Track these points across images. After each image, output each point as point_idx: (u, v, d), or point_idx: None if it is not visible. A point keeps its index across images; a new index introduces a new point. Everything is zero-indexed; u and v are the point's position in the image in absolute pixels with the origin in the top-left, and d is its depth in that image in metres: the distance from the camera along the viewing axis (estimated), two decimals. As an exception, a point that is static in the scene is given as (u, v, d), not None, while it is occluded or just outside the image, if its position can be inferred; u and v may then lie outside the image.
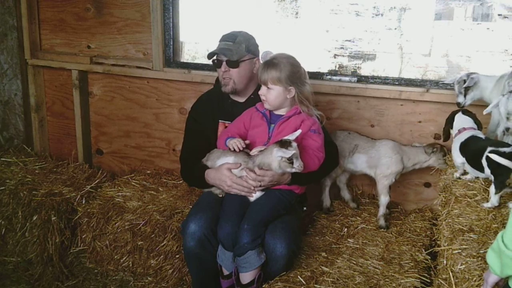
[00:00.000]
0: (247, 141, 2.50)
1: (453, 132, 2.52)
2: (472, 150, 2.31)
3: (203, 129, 2.80)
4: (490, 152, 2.16)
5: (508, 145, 2.19)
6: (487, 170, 2.19)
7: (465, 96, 2.62)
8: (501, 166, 2.10)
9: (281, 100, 2.45)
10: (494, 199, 2.13)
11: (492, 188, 2.14)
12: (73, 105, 3.70)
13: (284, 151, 2.26)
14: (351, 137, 2.98)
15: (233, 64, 2.64)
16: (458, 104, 2.64)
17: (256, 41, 2.74)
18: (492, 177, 2.16)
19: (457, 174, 2.47)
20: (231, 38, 2.65)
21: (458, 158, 2.40)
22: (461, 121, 2.50)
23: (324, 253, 2.56)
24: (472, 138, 2.37)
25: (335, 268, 2.40)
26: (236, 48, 2.62)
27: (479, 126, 2.47)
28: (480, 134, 2.40)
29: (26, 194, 3.12)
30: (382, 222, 2.84)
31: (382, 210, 2.87)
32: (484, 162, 2.19)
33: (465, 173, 2.45)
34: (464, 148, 2.37)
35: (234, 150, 2.46)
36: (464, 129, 2.46)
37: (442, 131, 2.66)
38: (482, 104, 2.58)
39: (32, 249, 3.14)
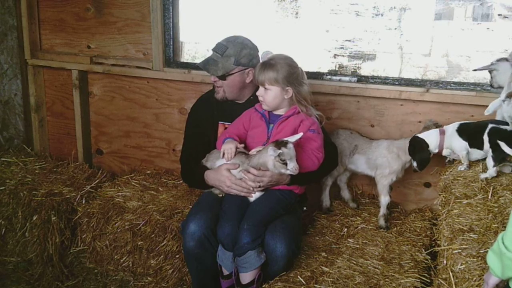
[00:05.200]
0: (241, 145, 2.48)
1: (434, 140, 2.59)
2: (473, 129, 2.45)
3: (202, 130, 2.80)
4: (491, 128, 2.34)
5: (506, 124, 2.35)
6: (487, 146, 2.34)
7: (492, 78, 2.64)
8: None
9: (279, 100, 2.45)
10: (492, 171, 2.28)
11: (490, 161, 2.28)
12: (73, 105, 3.69)
13: (274, 149, 2.26)
14: (352, 137, 2.99)
15: (220, 77, 2.64)
16: (489, 82, 2.67)
17: (252, 49, 2.65)
18: (490, 152, 2.30)
19: (461, 168, 2.52)
20: (220, 50, 2.63)
21: (459, 143, 2.50)
22: (431, 131, 2.63)
23: (324, 253, 2.56)
24: (465, 123, 2.53)
25: (335, 268, 2.40)
26: (224, 62, 2.61)
27: None
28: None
29: (26, 194, 3.12)
30: (382, 222, 2.84)
31: (382, 210, 2.87)
32: (485, 137, 2.34)
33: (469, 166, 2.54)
34: (464, 130, 2.51)
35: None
36: (444, 129, 2.59)
37: (417, 162, 2.67)
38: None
39: (32, 249, 3.14)
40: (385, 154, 2.86)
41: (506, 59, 2.58)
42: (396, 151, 2.85)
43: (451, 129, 2.56)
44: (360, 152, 2.93)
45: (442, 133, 2.58)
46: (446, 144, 2.57)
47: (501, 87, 2.57)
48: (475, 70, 2.73)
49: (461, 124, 2.56)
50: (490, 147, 2.32)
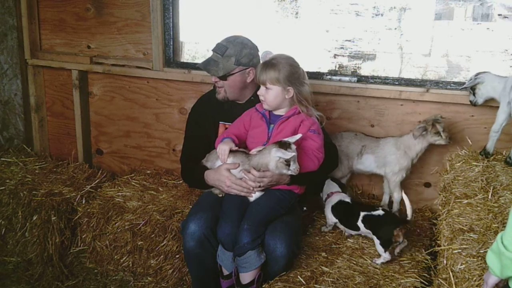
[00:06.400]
0: (235, 148, 2.48)
1: (323, 196, 2.83)
2: (346, 214, 2.67)
3: (203, 130, 2.80)
4: (364, 216, 2.55)
5: (376, 208, 2.56)
6: (365, 230, 2.56)
7: (474, 94, 2.70)
8: (382, 227, 2.45)
9: (280, 100, 2.45)
10: (385, 256, 2.43)
11: (379, 247, 2.45)
12: (73, 105, 3.69)
13: (284, 152, 2.26)
14: (358, 138, 3.00)
15: (221, 77, 2.64)
16: (470, 102, 2.74)
17: (252, 49, 2.65)
18: (374, 238, 2.49)
19: (325, 229, 2.78)
20: (220, 50, 2.62)
21: (331, 218, 2.73)
22: (329, 186, 2.83)
23: (324, 253, 2.56)
24: (341, 202, 2.71)
25: (335, 268, 2.40)
26: (225, 62, 2.61)
27: (344, 189, 2.85)
28: (347, 198, 2.73)
29: (26, 194, 3.12)
30: None
31: (396, 206, 2.95)
32: (360, 224, 2.56)
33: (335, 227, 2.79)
34: (336, 210, 2.71)
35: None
36: (332, 193, 2.78)
37: None
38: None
39: (32, 249, 3.14)
40: (394, 151, 2.89)
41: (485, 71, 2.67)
42: (403, 148, 2.86)
43: (331, 201, 2.74)
44: (369, 152, 2.95)
45: (329, 196, 2.79)
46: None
47: (489, 99, 2.65)
48: (462, 88, 2.78)
49: (334, 206, 2.72)
50: (374, 234, 2.50)
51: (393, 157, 2.88)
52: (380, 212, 2.52)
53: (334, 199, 2.74)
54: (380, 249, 2.45)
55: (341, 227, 2.73)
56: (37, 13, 3.67)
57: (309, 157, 2.40)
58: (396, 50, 3.17)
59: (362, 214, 2.56)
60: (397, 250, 2.49)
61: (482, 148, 2.67)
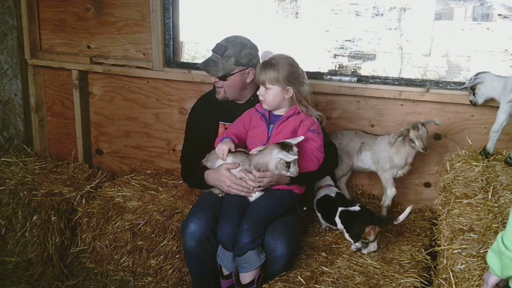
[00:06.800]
0: (234, 149, 2.47)
1: (315, 189, 2.89)
2: (326, 209, 2.73)
3: (203, 130, 2.80)
4: (341, 211, 2.59)
5: (354, 204, 2.62)
6: (341, 226, 2.60)
7: (474, 94, 2.70)
8: (355, 223, 2.51)
9: (279, 100, 2.45)
10: (357, 245, 2.51)
11: (347, 237, 2.56)
12: (73, 105, 3.69)
13: (285, 154, 2.25)
14: (358, 135, 3.01)
15: (221, 77, 2.64)
16: (470, 102, 2.74)
17: (252, 49, 2.65)
18: (344, 231, 2.58)
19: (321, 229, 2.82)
20: (220, 51, 2.63)
21: (318, 213, 2.81)
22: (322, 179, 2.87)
23: (324, 253, 2.56)
24: (326, 196, 2.76)
25: (335, 268, 2.40)
26: (224, 63, 2.61)
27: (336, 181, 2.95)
28: (332, 192, 2.77)
29: (26, 194, 3.12)
30: (384, 212, 2.92)
31: (388, 201, 2.93)
32: (337, 219, 2.60)
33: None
34: (319, 204, 2.78)
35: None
36: (322, 186, 2.84)
37: None
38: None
39: (32, 249, 3.14)
40: (387, 149, 2.88)
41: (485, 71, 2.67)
42: (397, 148, 2.85)
43: (318, 195, 2.81)
44: (367, 149, 2.96)
45: (318, 189, 2.86)
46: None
47: (489, 99, 2.65)
48: (462, 88, 2.78)
49: (319, 199, 2.79)
50: (345, 229, 2.58)
51: (386, 154, 2.88)
52: (356, 208, 2.55)
53: (321, 193, 2.79)
54: (348, 238, 2.55)
55: (322, 221, 2.77)
56: (37, 13, 3.67)
57: (309, 157, 2.40)
58: (396, 50, 3.17)
59: (339, 209, 2.59)
60: (364, 251, 2.51)
61: (482, 148, 2.67)
